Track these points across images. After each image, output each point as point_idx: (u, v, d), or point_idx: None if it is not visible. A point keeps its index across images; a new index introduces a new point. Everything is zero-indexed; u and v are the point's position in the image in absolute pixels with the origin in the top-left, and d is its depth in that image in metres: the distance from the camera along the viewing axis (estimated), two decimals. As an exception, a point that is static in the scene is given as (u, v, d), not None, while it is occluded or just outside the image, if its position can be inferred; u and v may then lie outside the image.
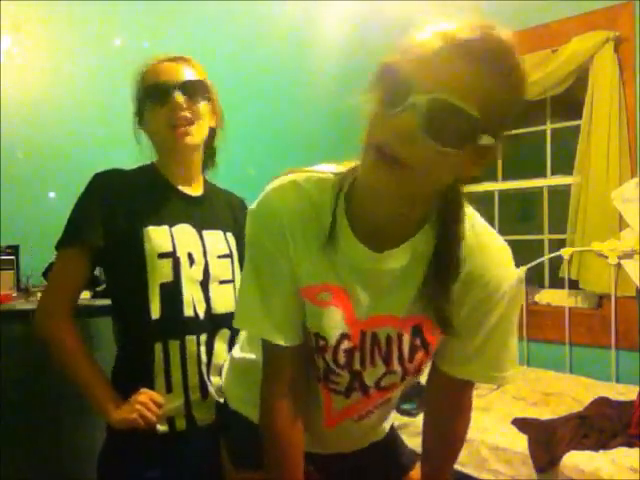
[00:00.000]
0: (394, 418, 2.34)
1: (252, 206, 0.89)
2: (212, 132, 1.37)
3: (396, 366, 0.90)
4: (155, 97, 1.27)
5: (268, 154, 2.37)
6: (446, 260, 0.83)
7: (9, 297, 1.76)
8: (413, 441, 2.13)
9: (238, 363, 1.10)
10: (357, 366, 0.91)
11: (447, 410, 1.02)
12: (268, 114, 2.79)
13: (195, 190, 1.36)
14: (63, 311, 1.25)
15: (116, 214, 1.24)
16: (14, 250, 1.89)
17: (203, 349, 1.26)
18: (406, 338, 0.88)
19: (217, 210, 1.39)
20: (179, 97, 1.25)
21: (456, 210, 0.84)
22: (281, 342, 0.88)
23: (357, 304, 0.87)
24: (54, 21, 2.22)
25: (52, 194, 2.02)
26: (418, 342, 0.89)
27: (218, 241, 1.33)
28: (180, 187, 1.33)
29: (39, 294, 1.78)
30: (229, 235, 1.37)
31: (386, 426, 1.18)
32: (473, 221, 0.87)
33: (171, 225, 1.27)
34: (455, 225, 0.83)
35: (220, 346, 1.29)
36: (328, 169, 0.88)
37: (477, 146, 0.71)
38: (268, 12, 2.85)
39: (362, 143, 0.75)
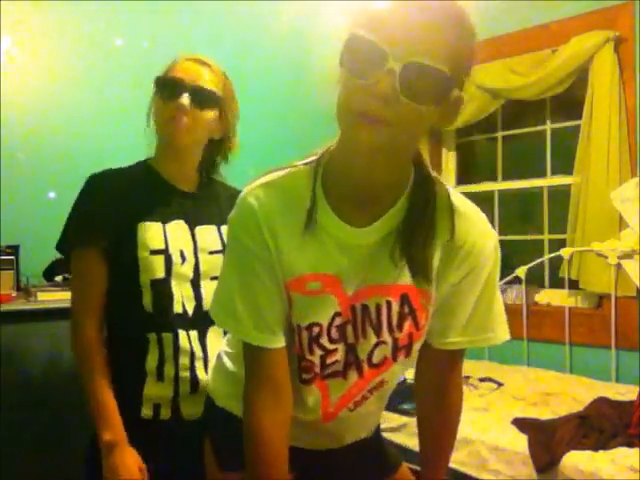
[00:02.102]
0: (393, 418, 2.36)
1: (230, 215, 0.91)
2: (214, 144, 1.37)
3: (386, 335, 0.91)
4: (164, 91, 1.28)
5: (268, 154, 2.37)
6: (419, 209, 0.87)
7: (9, 297, 1.76)
8: (413, 441, 2.14)
9: (225, 358, 1.09)
10: (351, 339, 0.92)
11: (443, 390, 1.02)
12: (268, 114, 2.79)
13: (189, 187, 1.36)
14: (93, 325, 1.26)
15: (112, 213, 1.25)
16: (14, 250, 1.89)
17: (196, 344, 1.28)
18: (395, 307, 0.90)
19: (212, 205, 1.39)
20: (185, 100, 1.25)
21: (425, 173, 0.89)
22: (265, 344, 0.89)
23: (347, 283, 0.89)
24: (54, 21, 2.22)
25: (52, 194, 2.02)
26: (406, 310, 0.90)
27: (210, 237, 1.34)
28: (173, 183, 1.34)
29: (39, 294, 1.78)
30: (224, 228, 1.38)
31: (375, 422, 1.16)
32: (450, 192, 0.90)
33: (164, 222, 1.28)
34: (425, 186, 0.88)
35: (213, 341, 1.30)
36: (298, 163, 0.91)
37: (449, 100, 0.78)
38: (268, 12, 2.85)
39: (337, 117, 0.80)
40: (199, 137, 1.33)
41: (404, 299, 0.90)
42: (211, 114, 1.31)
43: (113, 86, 2.31)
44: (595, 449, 1.83)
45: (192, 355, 1.27)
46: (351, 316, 0.90)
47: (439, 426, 1.06)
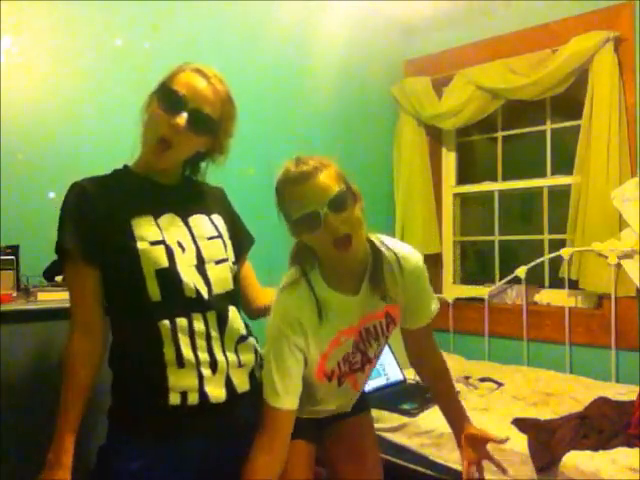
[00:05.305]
0: (393, 418, 2.35)
1: (274, 306, 1.33)
2: (200, 155, 1.39)
3: (381, 340, 1.47)
4: (164, 101, 1.28)
5: (268, 154, 2.37)
6: (377, 267, 1.39)
7: (9, 297, 1.76)
8: (413, 441, 2.15)
9: None
10: (363, 349, 1.44)
11: (425, 349, 1.58)
12: (268, 114, 2.79)
13: (171, 181, 1.37)
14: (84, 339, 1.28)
15: (101, 218, 1.26)
16: (14, 250, 1.89)
17: (213, 326, 1.29)
18: (383, 322, 1.44)
19: (197, 196, 1.41)
20: (182, 120, 1.25)
21: (373, 246, 1.40)
22: (288, 407, 1.29)
23: (356, 323, 1.40)
24: (54, 21, 2.21)
25: (52, 194, 2.01)
26: (389, 319, 1.45)
27: (204, 224, 1.36)
28: (156, 179, 1.34)
29: (39, 294, 1.78)
30: (214, 217, 1.40)
31: None
32: (392, 248, 1.42)
33: (156, 216, 1.29)
34: (376, 254, 1.40)
35: (231, 321, 1.33)
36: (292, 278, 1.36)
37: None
38: (268, 12, 2.85)
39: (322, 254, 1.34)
40: (183, 157, 1.35)
41: (387, 315, 1.44)
42: (203, 139, 1.33)
43: (113, 86, 2.31)
44: (595, 449, 1.83)
45: (208, 337, 1.28)
46: (360, 338, 1.42)
47: (435, 371, 1.58)
